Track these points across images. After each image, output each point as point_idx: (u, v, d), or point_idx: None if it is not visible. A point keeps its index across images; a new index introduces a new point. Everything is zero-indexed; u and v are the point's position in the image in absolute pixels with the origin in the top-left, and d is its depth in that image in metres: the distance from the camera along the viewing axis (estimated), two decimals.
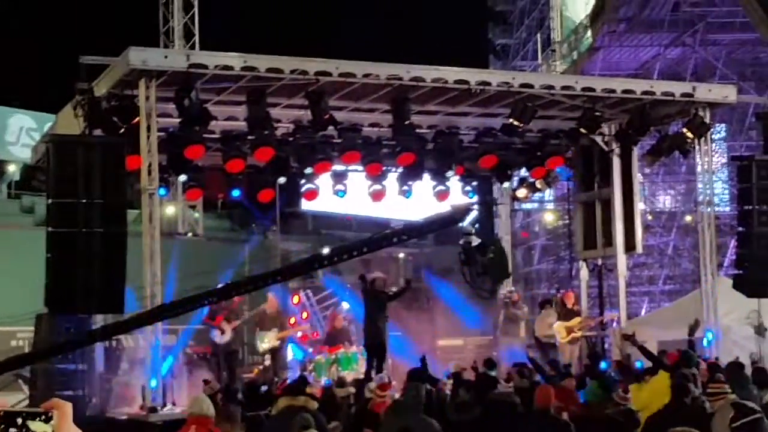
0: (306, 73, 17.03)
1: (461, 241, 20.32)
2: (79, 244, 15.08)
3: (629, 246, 22.09)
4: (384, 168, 20.62)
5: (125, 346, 18.53)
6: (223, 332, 19.13)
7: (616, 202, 21.99)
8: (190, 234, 32.29)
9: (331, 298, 24.27)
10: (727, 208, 31.76)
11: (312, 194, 21.42)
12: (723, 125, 33.06)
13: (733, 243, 26.08)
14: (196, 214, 33.09)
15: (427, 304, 24.43)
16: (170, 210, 30.88)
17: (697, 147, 20.37)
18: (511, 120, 19.00)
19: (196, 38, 32.57)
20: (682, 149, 20.63)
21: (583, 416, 11.74)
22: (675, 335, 17.96)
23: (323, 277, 25.40)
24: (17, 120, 34.20)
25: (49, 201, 15.50)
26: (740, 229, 20.48)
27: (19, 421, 2.74)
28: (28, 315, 15.66)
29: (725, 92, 20.72)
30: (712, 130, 21.60)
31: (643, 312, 31.98)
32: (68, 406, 2.81)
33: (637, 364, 16.61)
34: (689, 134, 20.04)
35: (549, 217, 37.02)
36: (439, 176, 21.33)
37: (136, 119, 16.35)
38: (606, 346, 22.36)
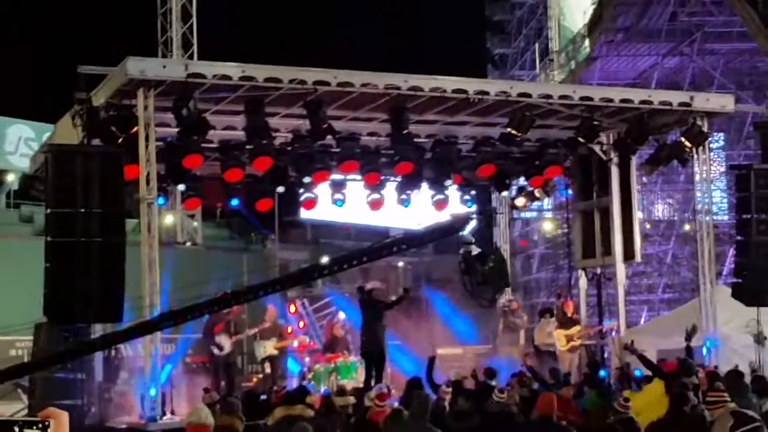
0: (304, 82, 17.05)
1: (461, 251, 20.35)
2: (78, 253, 15.07)
3: (628, 255, 22.11)
4: (382, 177, 20.62)
5: (124, 356, 18.51)
6: (221, 349, 19.11)
7: (614, 211, 22.02)
8: (189, 243, 32.33)
9: (329, 307, 24.27)
10: (726, 217, 31.77)
11: (311, 203, 21.44)
12: (721, 134, 33.10)
13: (731, 252, 26.09)
14: (195, 224, 33.13)
15: (426, 312, 24.43)
16: (169, 219, 30.92)
17: (695, 156, 20.38)
18: (509, 129, 19.02)
19: (195, 48, 32.65)
20: (680, 158, 20.66)
21: (581, 425, 11.73)
22: (674, 344, 17.92)
23: (323, 285, 25.43)
24: (16, 130, 34.24)
25: (48, 210, 15.49)
26: (739, 237, 20.47)
27: (16, 429, 2.75)
28: (27, 324, 15.65)
29: (723, 101, 20.75)
30: (710, 139, 21.64)
31: (642, 321, 31.98)
32: (64, 416, 2.82)
33: (636, 373, 16.62)
34: (687, 143, 20.07)
35: (548, 226, 37.03)
36: (438, 185, 21.34)
37: (135, 129, 16.36)
38: (605, 354, 22.35)
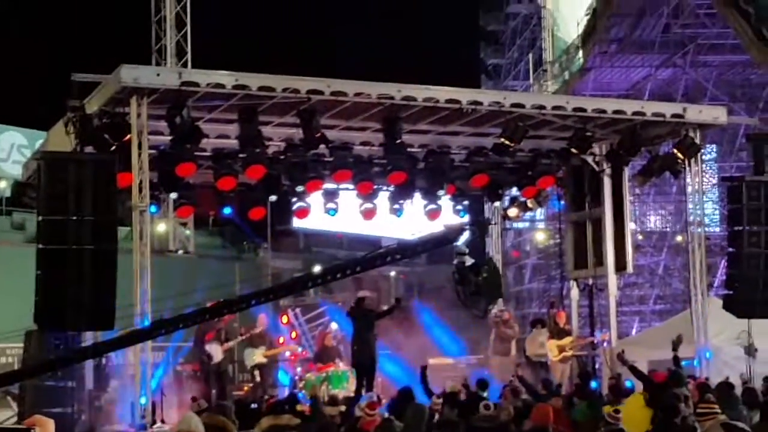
0: (298, 91, 17.06)
1: (455, 261, 20.31)
2: (70, 261, 15.05)
3: (620, 266, 22.12)
4: (375, 186, 20.63)
5: (114, 364, 18.47)
6: (211, 358, 19.08)
7: (606, 221, 22.03)
8: (181, 251, 32.29)
9: (321, 317, 24.23)
10: (718, 229, 31.80)
11: (303, 212, 21.42)
12: (713, 146, 33.14)
13: (723, 263, 26.10)
14: (187, 232, 33.10)
15: (417, 322, 24.39)
16: (161, 227, 30.88)
17: (687, 167, 20.43)
18: (502, 139, 19.05)
19: (188, 56, 32.66)
20: (672, 170, 20.70)
21: None
22: (665, 355, 17.91)
23: (315, 295, 25.39)
24: (8, 137, 34.23)
25: (40, 218, 15.46)
26: (730, 249, 20.51)
27: None
28: (17, 331, 15.60)
29: (716, 113, 20.81)
30: (702, 150, 21.69)
31: (633, 331, 31.96)
32: (50, 423, 2.82)
33: (627, 384, 16.60)
34: (680, 155, 20.12)
35: (540, 237, 37.04)
36: (430, 195, 21.35)
37: (128, 137, 16.35)
38: (597, 365, 22.34)
